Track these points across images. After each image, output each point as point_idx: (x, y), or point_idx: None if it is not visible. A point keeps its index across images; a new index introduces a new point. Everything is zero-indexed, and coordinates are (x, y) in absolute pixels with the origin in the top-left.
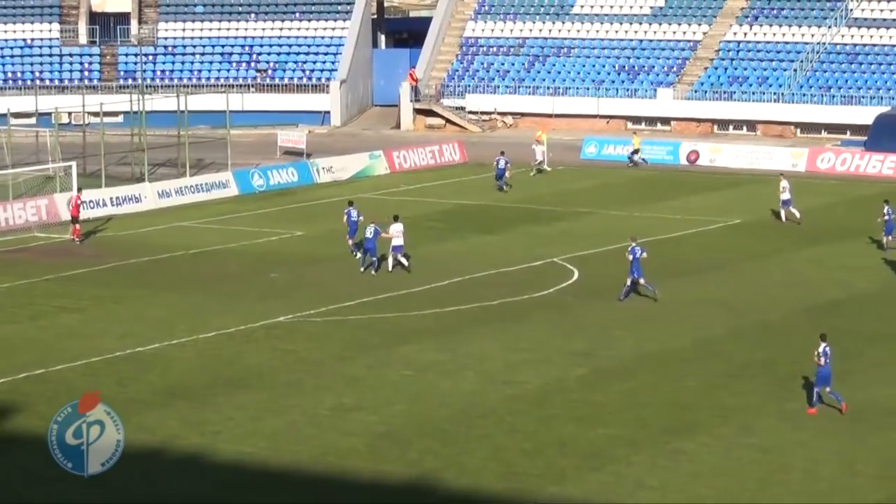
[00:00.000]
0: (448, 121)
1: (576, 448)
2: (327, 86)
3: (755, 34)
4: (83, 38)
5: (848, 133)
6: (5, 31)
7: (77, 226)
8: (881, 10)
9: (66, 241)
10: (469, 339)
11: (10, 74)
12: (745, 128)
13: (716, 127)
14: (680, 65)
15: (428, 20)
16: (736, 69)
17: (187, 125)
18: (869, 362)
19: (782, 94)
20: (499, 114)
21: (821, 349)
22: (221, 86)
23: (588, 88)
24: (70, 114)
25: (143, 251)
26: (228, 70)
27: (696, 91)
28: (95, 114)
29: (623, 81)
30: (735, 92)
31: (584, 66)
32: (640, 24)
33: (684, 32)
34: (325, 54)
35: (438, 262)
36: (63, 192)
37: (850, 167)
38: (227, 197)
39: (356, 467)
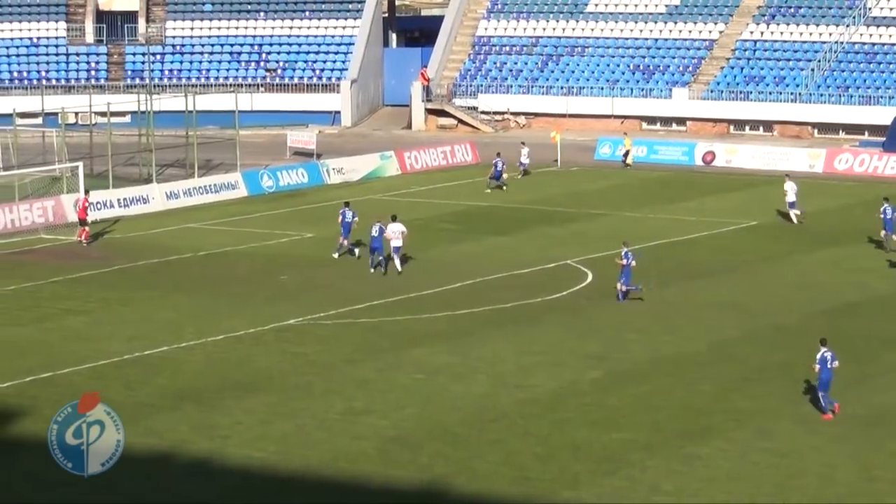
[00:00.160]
0: (460, 121)
1: (589, 452)
2: (338, 85)
3: (772, 33)
4: (90, 37)
5: (866, 134)
6: (11, 30)
7: (86, 228)
8: None
9: (73, 243)
10: (481, 342)
11: (16, 74)
12: (761, 128)
13: (732, 127)
14: (696, 64)
15: (440, 19)
16: (752, 69)
17: (196, 125)
18: (886, 366)
19: (799, 94)
20: (511, 114)
21: (818, 355)
22: (230, 85)
23: (602, 88)
24: (77, 114)
25: (151, 253)
26: (237, 69)
27: (711, 91)
28: (102, 114)
29: (638, 81)
30: (751, 92)
31: (598, 65)
32: (656, 22)
33: (700, 31)
34: (336, 53)
35: (450, 263)
36: (70, 193)
37: (868, 168)
38: (236, 198)
39: (366, 472)
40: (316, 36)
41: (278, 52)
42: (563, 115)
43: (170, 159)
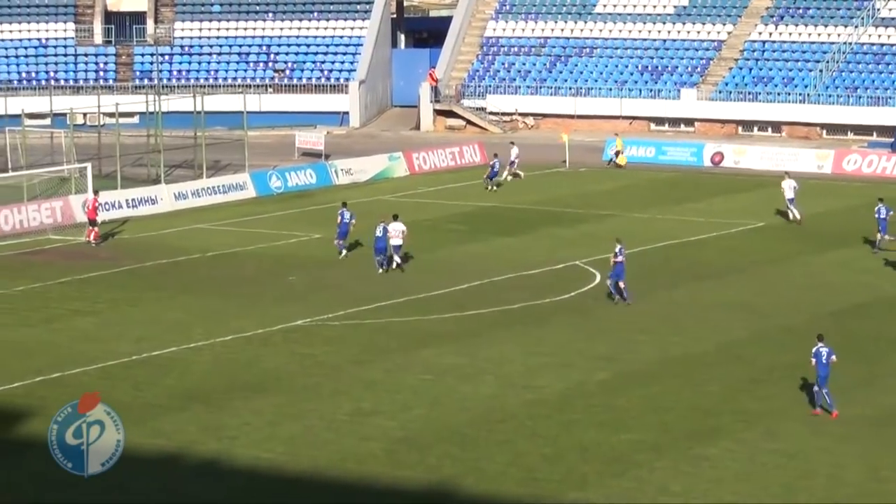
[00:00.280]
0: (468, 122)
1: (597, 453)
2: (346, 86)
3: (780, 34)
4: (98, 38)
5: (874, 134)
6: (20, 31)
7: (96, 228)
8: None
9: (82, 244)
10: (489, 343)
11: (24, 74)
12: (769, 129)
13: (740, 128)
14: (704, 65)
15: (448, 20)
16: (761, 69)
17: (204, 126)
18: (894, 367)
19: (808, 94)
20: (520, 115)
21: (814, 350)
22: (238, 86)
23: (611, 89)
24: (85, 114)
25: (159, 253)
26: (246, 70)
27: (720, 92)
28: (111, 114)
29: (646, 82)
30: (760, 93)
31: (606, 66)
32: (664, 23)
33: (708, 32)
34: (344, 54)
35: (458, 264)
36: (78, 193)
37: (877, 169)
38: (245, 199)
39: (374, 472)
40: (324, 37)
41: (286, 53)
42: (572, 116)
43: (178, 160)
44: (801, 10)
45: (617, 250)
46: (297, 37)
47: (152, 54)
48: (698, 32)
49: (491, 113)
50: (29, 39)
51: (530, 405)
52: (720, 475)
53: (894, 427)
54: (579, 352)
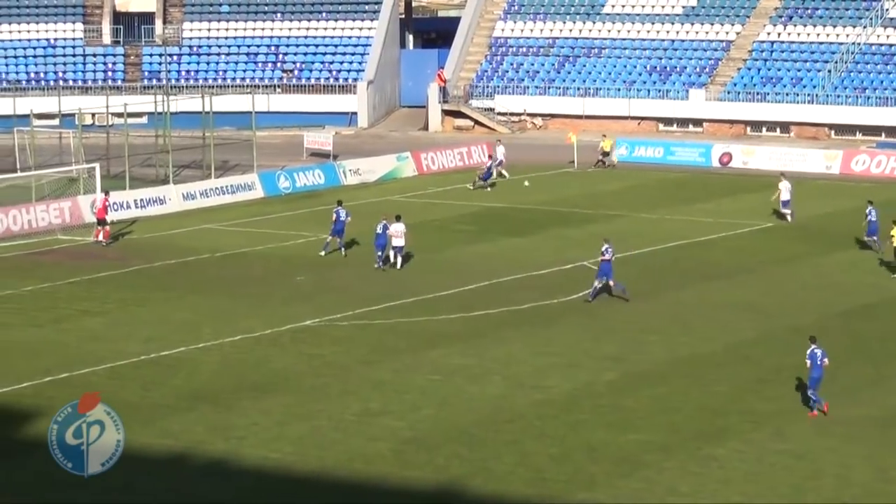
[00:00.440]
0: (477, 122)
1: (605, 454)
2: (354, 87)
3: (789, 34)
4: (107, 38)
5: (883, 135)
6: (28, 31)
7: (106, 228)
8: None
9: (90, 244)
10: (497, 343)
11: (33, 75)
12: (778, 129)
13: (749, 128)
14: (712, 65)
15: (456, 20)
16: (769, 70)
17: (212, 126)
18: None
19: (816, 95)
20: (528, 115)
21: (808, 352)
22: (247, 86)
23: (619, 89)
24: (94, 115)
25: (167, 254)
26: (254, 70)
27: (728, 92)
28: (119, 115)
29: (654, 82)
30: (768, 93)
31: (614, 66)
32: (672, 24)
33: (717, 33)
34: (353, 55)
35: (466, 265)
36: (87, 194)
37: (886, 169)
38: (253, 199)
39: (383, 473)
40: (333, 37)
41: (295, 53)
42: (580, 117)
43: (186, 160)
44: (809, 11)
45: (603, 249)
46: (306, 37)
47: (161, 54)
48: (707, 33)
49: (499, 113)
50: (38, 40)
51: (538, 405)
52: (728, 476)
53: None
54: (587, 352)
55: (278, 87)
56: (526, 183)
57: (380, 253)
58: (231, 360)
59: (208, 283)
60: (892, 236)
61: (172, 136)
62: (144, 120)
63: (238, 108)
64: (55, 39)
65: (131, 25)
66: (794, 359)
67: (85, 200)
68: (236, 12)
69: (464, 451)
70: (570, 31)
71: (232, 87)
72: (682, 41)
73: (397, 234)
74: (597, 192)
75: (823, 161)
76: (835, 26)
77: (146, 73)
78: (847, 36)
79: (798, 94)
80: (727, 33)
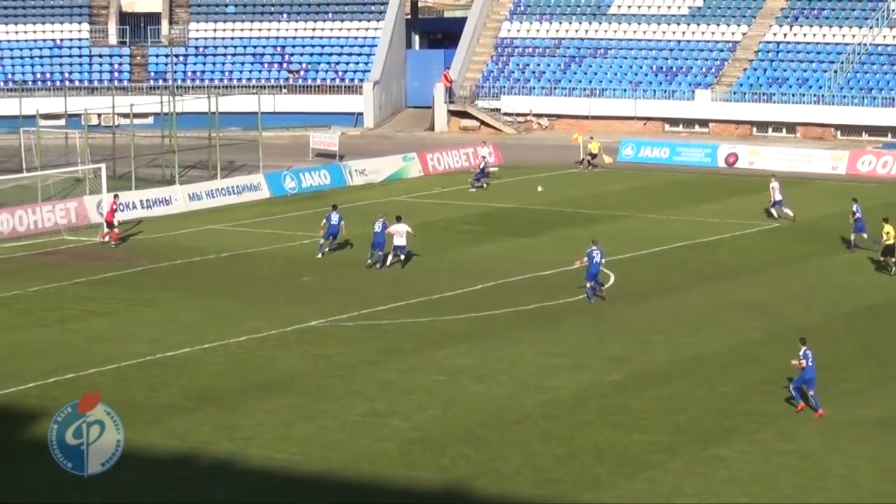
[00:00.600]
0: (483, 122)
1: (611, 454)
2: (360, 87)
3: (795, 35)
4: (113, 39)
5: (889, 135)
6: (34, 32)
7: (115, 231)
8: None
9: (96, 245)
10: (503, 344)
11: (39, 75)
12: (784, 130)
13: (755, 129)
14: (718, 66)
15: (462, 20)
16: (775, 70)
17: (218, 127)
18: None
19: (822, 95)
20: (534, 115)
21: (801, 352)
22: (253, 87)
23: (625, 90)
24: (100, 115)
25: (173, 254)
26: (260, 71)
27: (734, 93)
28: (125, 115)
29: (661, 83)
30: (774, 94)
31: (620, 67)
32: (678, 24)
33: (723, 33)
34: (359, 55)
35: (473, 265)
36: (93, 194)
37: (892, 170)
38: (259, 199)
39: (388, 473)
40: (339, 37)
41: (301, 54)
42: (586, 117)
43: (192, 161)
44: (815, 11)
45: (590, 251)
46: (312, 38)
47: (167, 55)
48: (713, 33)
49: (505, 114)
50: (44, 40)
51: (544, 406)
52: (734, 476)
53: None
54: (593, 353)
55: (284, 87)
56: (539, 188)
57: (379, 253)
58: (237, 360)
59: (214, 284)
60: (888, 233)
61: (178, 137)
62: (150, 120)
63: (244, 109)
64: (61, 40)
65: (137, 26)
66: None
67: (91, 201)
68: (242, 13)
69: (470, 452)
70: (577, 31)
71: (238, 87)
72: (689, 42)
73: (399, 233)
74: (603, 192)
75: (829, 161)
76: (841, 27)
77: (152, 74)
78: (853, 36)
79: (804, 95)
80: (733, 34)
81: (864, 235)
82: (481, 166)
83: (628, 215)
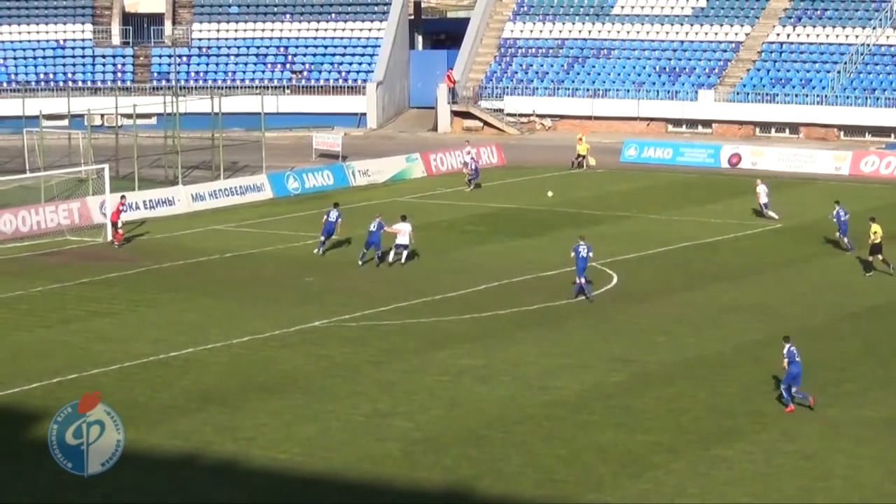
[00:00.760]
0: (486, 123)
1: (614, 455)
2: (363, 87)
3: (798, 35)
4: (116, 39)
5: (892, 136)
6: (38, 32)
7: (119, 231)
8: None
9: (99, 245)
10: (506, 344)
11: (42, 76)
12: (787, 130)
13: (758, 129)
14: (722, 66)
15: (466, 21)
16: (779, 71)
17: (221, 127)
18: None
19: (826, 96)
20: (537, 116)
21: (785, 350)
22: (256, 87)
23: (628, 90)
24: (103, 115)
25: (176, 255)
26: (263, 71)
27: (737, 93)
28: (128, 116)
29: (664, 83)
30: (778, 94)
31: (624, 67)
32: (682, 24)
33: (726, 34)
34: (362, 55)
35: (476, 266)
36: (96, 195)
37: (895, 171)
38: (262, 200)
39: (391, 474)
40: (342, 38)
41: (304, 54)
42: (589, 118)
43: (195, 161)
44: (818, 12)
45: (577, 247)
46: (315, 38)
47: (170, 55)
48: (716, 34)
49: (508, 114)
50: (47, 41)
51: (547, 406)
52: (737, 476)
53: None
54: (596, 353)
55: (287, 88)
56: (549, 193)
57: (379, 252)
58: (240, 361)
59: (217, 284)
60: (875, 233)
61: (181, 137)
62: (153, 121)
63: (247, 109)
64: (64, 40)
65: (140, 26)
66: (802, 360)
67: (94, 201)
68: (245, 13)
69: (472, 452)
70: (580, 32)
71: (241, 88)
72: (692, 42)
73: (402, 232)
74: (606, 193)
75: (833, 162)
76: (844, 27)
77: (155, 74)
78: (856, 37)
79: (807, 95)
80: (736, 34)
81: (845, 239)
82: (472, 166)
83: (631, 216)
